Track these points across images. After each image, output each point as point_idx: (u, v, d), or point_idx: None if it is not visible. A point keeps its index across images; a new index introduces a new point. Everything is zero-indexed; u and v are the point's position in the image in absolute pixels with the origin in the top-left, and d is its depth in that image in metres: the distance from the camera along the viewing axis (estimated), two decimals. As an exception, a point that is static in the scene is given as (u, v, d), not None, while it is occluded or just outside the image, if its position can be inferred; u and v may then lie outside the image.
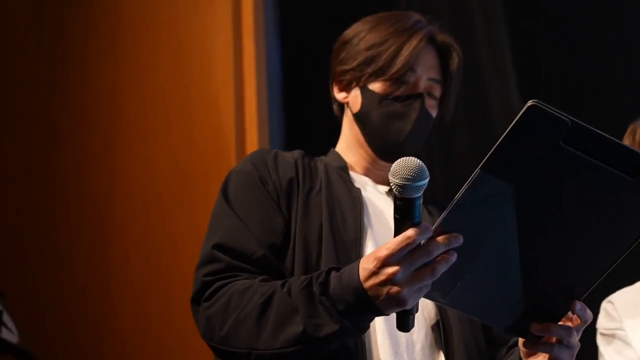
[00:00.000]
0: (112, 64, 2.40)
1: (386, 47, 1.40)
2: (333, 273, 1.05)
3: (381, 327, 1.20)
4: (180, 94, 2.29)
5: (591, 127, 0.89)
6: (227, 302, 1.12)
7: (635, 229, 0.98)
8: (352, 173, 1.44)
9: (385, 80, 1.40)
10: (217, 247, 1.20)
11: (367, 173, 1.46)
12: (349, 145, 1.49)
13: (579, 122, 0.88)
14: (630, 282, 1.75)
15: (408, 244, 0.96)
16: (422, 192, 0.97)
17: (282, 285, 1.10)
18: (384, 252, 0.97)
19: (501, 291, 1.05)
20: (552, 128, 0.88)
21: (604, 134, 0.89)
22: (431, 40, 1.45)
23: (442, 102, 1.49)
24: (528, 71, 2.37)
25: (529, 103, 0.87)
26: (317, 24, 2.51)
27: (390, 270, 0.97)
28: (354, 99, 1.46)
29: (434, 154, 2.33)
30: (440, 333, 1.24)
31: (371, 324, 1.19)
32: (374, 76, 1.40)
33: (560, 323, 1.07)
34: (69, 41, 2.46)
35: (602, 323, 1.70)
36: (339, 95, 1.51)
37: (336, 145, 1.52)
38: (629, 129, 1.71)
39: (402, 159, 0.96)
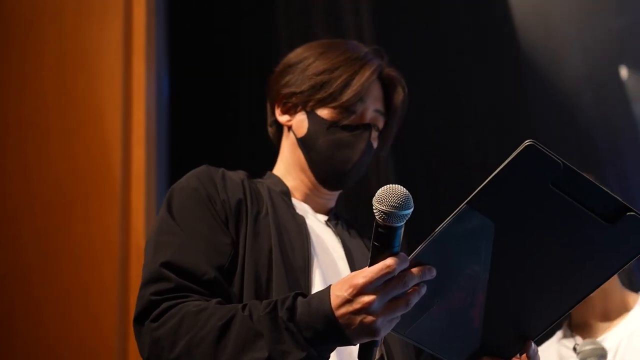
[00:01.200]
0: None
1: (338, 74, 1.39)
2: (300, 298, 1.01)
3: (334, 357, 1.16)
4: (63, 106, 2.20)
5: (580, 172, 0.91)
6: (178, 323, 1.05)
7: (598, 276, 0.99)
8: (293, 199, 1.41)
9: (334, 108, 1.38)
10: (166, 265, 1.14)
11: (307, 200, 1.44)
12: (289, 169, 1.45)
13: (570, 165, 0.90)
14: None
15: (387, 273, 0.94)
16: (404, 222, 0.95)
17: (243, 309, 1.05)
18: (360, 280, 0.94)
19: (462, 326, 1.04)
20: (544, 169, 0.89)
21: (590, 179, 0.91)
22: (380, 74, 1.45)
23: (382, 135, 1.49)
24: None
25: (527, 142, 0.87)
26: (206, 46, 2.54)
27: (367, 299, 0.94)
28: (299, 123, 1.43)
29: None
30: None
31: None
32: (323, 102, 1.38)
33: None
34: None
35: None
36: (282, 118, 1.47)
37: (273, 167, 1.49)
38: None
39: (387, 186, 0.94)
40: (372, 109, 1.43)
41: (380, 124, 1.46)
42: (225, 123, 2.46)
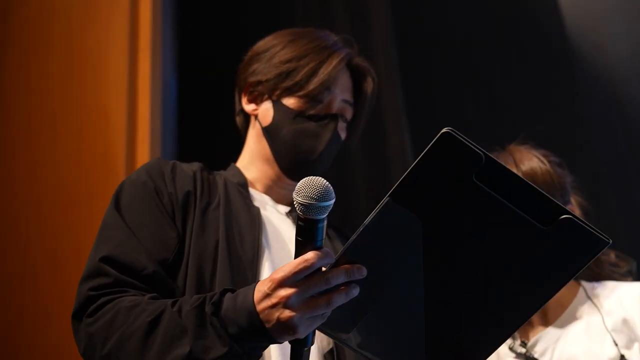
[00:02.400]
0: (-2, 70, 2.29)
1: (304, 63, 1.36)
2: (228, 294, 1.00)
3: (277, 358, 1.14)
4: (70, 106, 2.19)
5: (506, 167, 0.84)
6: (111, 318, 1.05)
7: (546, 289, 0.90)
8: (252, 190, 1.39)
9: (300, 97, 1.36)
10: (105, 260, 1.13)
11: (268, 191, 1.41)
12: (253, 159, 1.43)
13: (494, 158, 0.83)
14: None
15: (305, 267, 0.91)
16: (326, 214, 0.92)
17: (173, 304, 1.03)
18: (279, 274, 0.92)
19: (404, 336, 0.97)
20: (465, 160, 0.83)
21: (519, 175, 0.84)
22: (348, 62, 1.42)
23: (351, 126, 1.46)
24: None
25: (443, 130, 0.82)
26: (214, 44, 2.51)
27: (284, 293, 0.92)
28: (264, 112, 1.41)
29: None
30: None
31: (267, 354, 1.14)
32: (289, 91, 1.36)
33: None
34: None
35: None
36: (248, 107, 1.45)
37: (237, 159, 1.47)
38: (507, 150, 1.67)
39: (307, 177, 0.92)
40: (339, 98, 1.40)
41: (349, 114, 1.43)
42: (234, 122, 2.41)
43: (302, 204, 0.90)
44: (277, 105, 1.38)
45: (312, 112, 1.36)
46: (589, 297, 1.57)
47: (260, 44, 1.45)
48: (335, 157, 1.44)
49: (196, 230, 1.20)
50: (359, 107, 1.45)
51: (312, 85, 1.35)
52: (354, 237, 0.91)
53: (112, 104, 2.16)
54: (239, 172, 1.41)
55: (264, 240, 1.25)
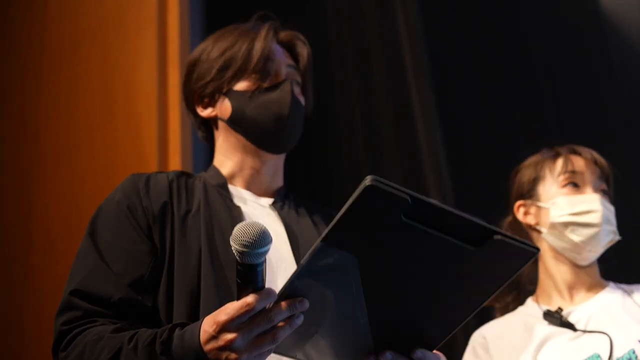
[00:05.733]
0: (36, 89, 2.37)
1: (238, 47, 1.41)
2: (177, 331, 1.01)
3: None
4: (105, 120, 2.25)
5: (433, 201, 0.86)
6: (80, 353, 1.08)
7: (478, 297, 0.97)
8: (232, 188, 1.40)
9: (248, 77, 1.40)
10: (75, 292, 1.16)
11: (249, 185, 1.42)
12: (228, 154, 1.44)
13: (420, 197, 0.85)
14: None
15: (247, 311, 0.93)
16: (264, 258, 0.93)
17: (130, 340, 1.05)
18: (222, 317, 0.94)
19: (355, 348, 1.02)
20: (391, 205, 0.84)
21: (446, 207, 0.87)
22: (275, 35, 1.47)
23: (303, 92, 1.47)
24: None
25: (367, 182, 0.82)
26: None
27: (229, 336, 0.93)
28: (222, 107, 1.43)
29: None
30: None
31: None
32: (236, 77, 1.40)
33: None
34: (-8, 66, 2.43)
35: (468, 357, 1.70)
36: (205, 112, 1.47)
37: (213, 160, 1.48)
38: (514, 171, 1.79)
39: (244, 222, 0.93)
40: (284, 65, 1.43)
41: (298, 78, 1.46)
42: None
43: (238, 251, 0.92)
44: (231, 94, 1.41)
45: (264, 85, 1.40)
46: (619, 288, 1.68)
47: (192, 54, 1.49)
48: (303, 127, 1.46)
49: (177, 239, 1.22)
50: (302, 71, 1.48)
51: (254, 60, 1.39)
52: (291, 277, 0.93)
53: (144, 116, 2.21)
54: (217, 172, 1.42)
55: None
